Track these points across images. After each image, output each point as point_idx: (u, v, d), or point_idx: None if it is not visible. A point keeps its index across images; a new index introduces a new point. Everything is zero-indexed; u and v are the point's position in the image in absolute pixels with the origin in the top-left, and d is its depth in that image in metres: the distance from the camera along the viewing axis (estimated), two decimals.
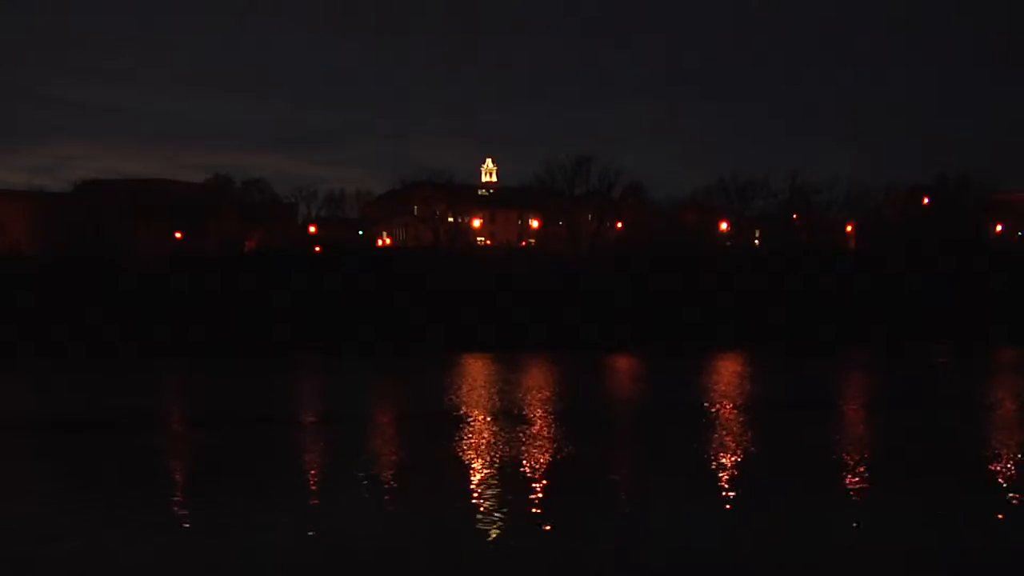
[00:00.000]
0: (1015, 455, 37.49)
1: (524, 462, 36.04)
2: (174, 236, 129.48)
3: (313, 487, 33.39)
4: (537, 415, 49.45)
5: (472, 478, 33.43)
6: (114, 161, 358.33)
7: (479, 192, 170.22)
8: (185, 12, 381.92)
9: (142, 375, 77.77)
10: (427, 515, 28.60)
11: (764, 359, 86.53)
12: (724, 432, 43.57)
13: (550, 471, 34.79)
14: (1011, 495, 31.01)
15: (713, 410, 51.21)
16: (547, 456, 37.51)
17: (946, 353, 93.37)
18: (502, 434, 42.64)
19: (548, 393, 60.91)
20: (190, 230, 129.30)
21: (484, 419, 47.85)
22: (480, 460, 36.54)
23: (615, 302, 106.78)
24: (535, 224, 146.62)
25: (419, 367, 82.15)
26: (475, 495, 30.68)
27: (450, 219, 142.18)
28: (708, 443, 40.62)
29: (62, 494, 32.30)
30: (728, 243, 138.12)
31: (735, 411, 50.95)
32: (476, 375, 73.90)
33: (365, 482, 33.47)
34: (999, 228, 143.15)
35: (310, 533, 26.33)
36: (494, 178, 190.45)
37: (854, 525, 27.17)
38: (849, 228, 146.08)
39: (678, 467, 36.31)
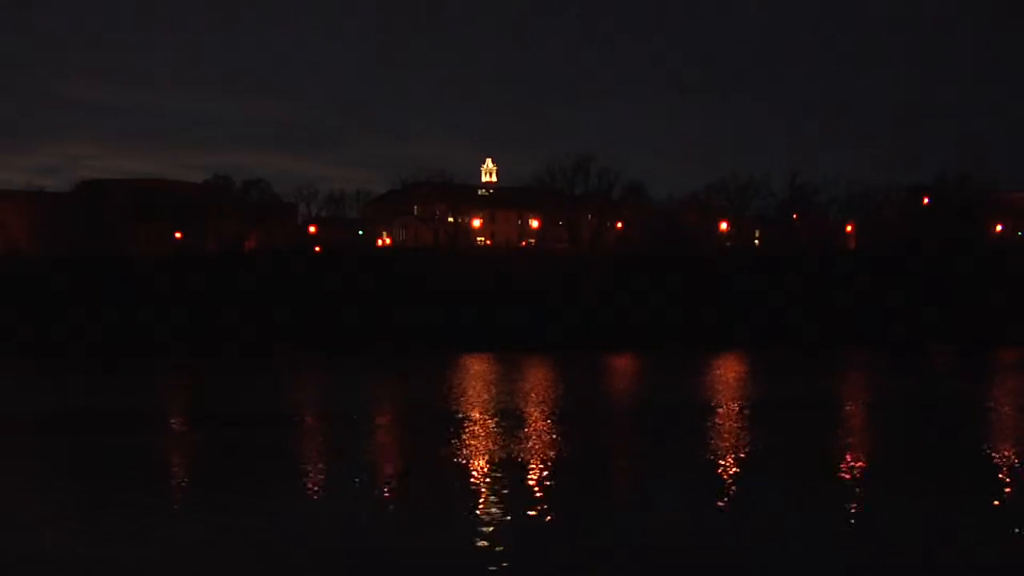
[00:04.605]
0: (1014, 455, 37.48)
1: (524, 461, 36.04)
2: (174, 236, 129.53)
3: (312, 487, 33.36)
4: (536, 415, 49.45)
5: (472, 477, 33.43)
6: (114, 161, 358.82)
7: (479, 192, 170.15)
8: (185, 12, 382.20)
9: (141, 375, 77.79)
10: (427, 515, 28.59)
11: (764, 359, 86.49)
12: (724, 431, 43.57)
13: (550, 470, 34.78)
14: (1011, 496, 31.01)
15: (713, 410, 51.19)
16: (546, 455, 37.49)
17: (947, 353, 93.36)
18: (502, 434, 42.64)
19: (548, 393, 60.88)
20: (190, 230, 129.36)
21: (484, 419, 47.83)
22: (480, 459, 36.54)
23: (615, 302, 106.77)
24: (535, 224, 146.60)
25: (419, 367, 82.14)
26: (475, 494, 30.68)
27: (450, 219, 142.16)
28: (708, 442, 40.59)
29: (59, 493, 32.26)
30: (728, 243, 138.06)
31: (735, 411, 50.95)
32: (476, 375, 73.87)
33: (365, 482, 33.45)
34: (999, 228, 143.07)
35: (309, 533, 26.32)
36: (494, 178, 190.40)
37: (851, 522, 27.33)
38: (849, 228, 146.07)
39: (678, 466, 36.30)
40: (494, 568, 23.03)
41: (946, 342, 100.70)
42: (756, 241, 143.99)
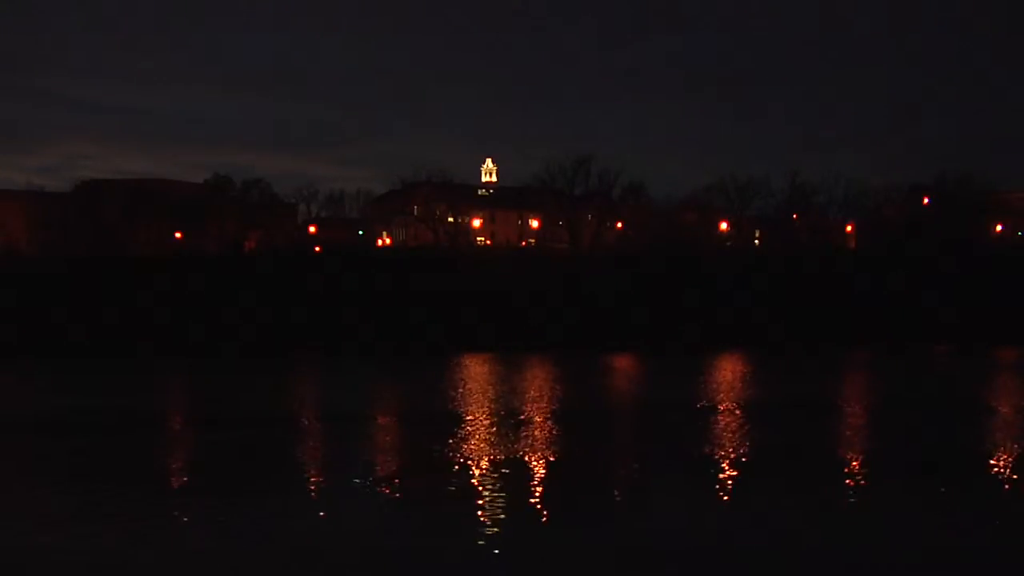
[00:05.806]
0: (1013, 456, 37.46)
1: (524, 461, 36.02)
2: (174, 236, 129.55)
3: (313, 487, 33.35)
4: (537, 415, 49.43)
5: (472, 478, 33.40)
6: (114, 161, 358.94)
7: (479, 192, 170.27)
8: (185, 12, 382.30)
9: (141, 375, 77.75)
10: (428, 515, 28.56)
11: (764, 359, 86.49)
12: (724, 431, 43.54)
13: (550, 470, 34.77)
14: (1010, 495, 31.00)
15: (713, 410, 51.19)
16: (547, 455, 37.48)
17: (946, 353, 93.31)
18: (502, 434, 42.63)
19: (548, 393, 60.87)
20: (190, 230, 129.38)
21: (484, 419, 47.83)
22: (480, 459, 36.51)
23: (615, 302, 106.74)
24: (535, 224, 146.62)
25: (419, 367, 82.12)
26: (475, 495, 30.65)
27: (450, 219, 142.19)
28: (708, 442, 40.57)
29: (59, 493, 32.24)
30: (728, 243, 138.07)
31: (735, 411, 50.92)
32: (476, 375, 73.87)
33: (365, 482, 33.43)
34: (999, 228, 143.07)
35: (309, 533, 26.30)
36: (494, 178, 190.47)
37: (851, 522, 27.29)
38: (849, 228, 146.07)
39: (678, 466, 36.27)
40: (494, 568, 23.01)
41: (946, 342, 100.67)
42: (756, 241, 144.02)
